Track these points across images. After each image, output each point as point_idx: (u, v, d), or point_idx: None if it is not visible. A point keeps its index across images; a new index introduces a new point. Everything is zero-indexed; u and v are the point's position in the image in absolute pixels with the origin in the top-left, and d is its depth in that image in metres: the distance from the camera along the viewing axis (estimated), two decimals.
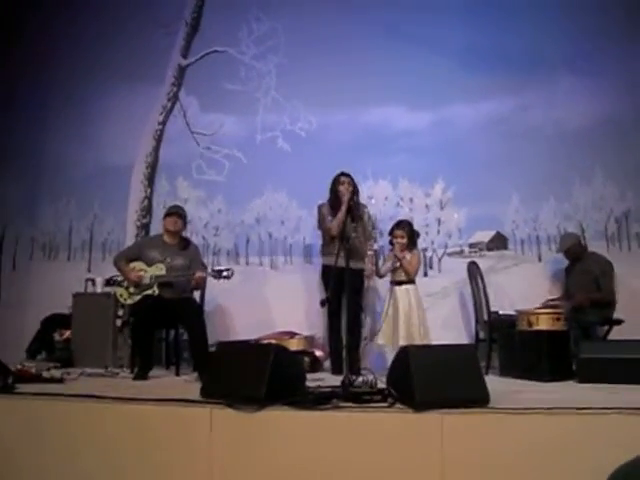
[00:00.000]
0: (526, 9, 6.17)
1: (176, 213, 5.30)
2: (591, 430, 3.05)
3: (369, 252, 5.48)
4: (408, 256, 5.27)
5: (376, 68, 6.30)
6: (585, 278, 5.44)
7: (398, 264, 5.26)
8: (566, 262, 5.74)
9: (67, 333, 5.77)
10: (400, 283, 5.25)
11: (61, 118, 6.98)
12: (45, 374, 4.33)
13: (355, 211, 5.24)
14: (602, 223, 6.02)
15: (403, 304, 5.16)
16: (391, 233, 5.40)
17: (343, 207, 5.12)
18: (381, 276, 5.45)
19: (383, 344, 5.25)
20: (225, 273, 4.93)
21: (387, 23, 6.39)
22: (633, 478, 1.17)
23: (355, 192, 5.36)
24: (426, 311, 5.29)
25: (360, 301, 5.36)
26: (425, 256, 6.06)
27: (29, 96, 7.01)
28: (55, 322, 5.92)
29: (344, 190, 5.25)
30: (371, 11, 6.42)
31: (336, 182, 5.38)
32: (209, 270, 5.18)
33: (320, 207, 5.48)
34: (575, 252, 5.58)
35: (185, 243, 5.32)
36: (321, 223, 5.46)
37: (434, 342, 4.96)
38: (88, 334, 5.66)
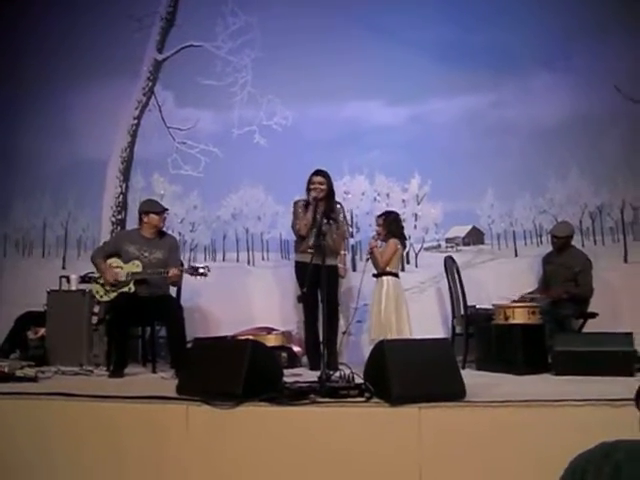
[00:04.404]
0: (502, 6, 6.19)
1: (164, 210, 5.26)
2: (566, 422, 3.08)
3: (342, 252, 5.47)
4: (381, 247, 5.25)
5: (353, 63, 6.28)
6: (565, 272, 5.48)
7: (369, 254, 5.26)
8: (542, 254, 5.81)
9: (42, 331, 5.67)
10: (376, 275, 5.23)
11: (34, 111, 6.84)
12: (18, 373, 4.25)
13: (330, 212, 5.20)
14: (577, 218, 6.06)
15: (376, 296, 5.16)
16: None
17: (310, 207, 5.17)
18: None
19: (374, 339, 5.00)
20: (201, 270, 4.87)
21: (364, 18, 6.36)
22: (593, 464, 1.21)
23: (330, 194, 5.33)
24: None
25: (336, 296, 5.34)
26: None
27: (1, 89, 6.87)
28: (29, 320, 5.82)
29: (313, 192, 5.23)
30: (348, 6, 6.40)
31: (309, 182, 5.32)
32: (185, 266, 5.14)
33: (295, 204, 5.43)
34: (564, 243, 5.59)
35: (161, 234, 5.28)
36: (293, 221, 5.43)
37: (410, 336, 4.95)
38: (63, 332, 5.57)
